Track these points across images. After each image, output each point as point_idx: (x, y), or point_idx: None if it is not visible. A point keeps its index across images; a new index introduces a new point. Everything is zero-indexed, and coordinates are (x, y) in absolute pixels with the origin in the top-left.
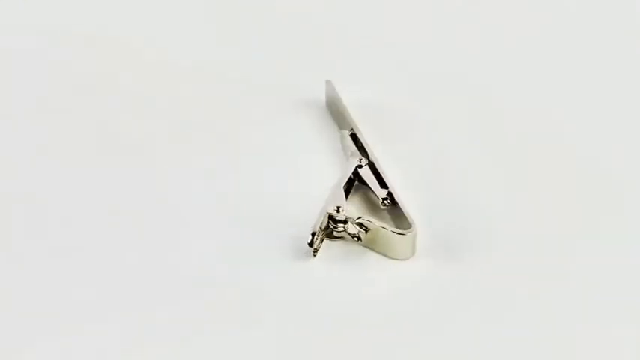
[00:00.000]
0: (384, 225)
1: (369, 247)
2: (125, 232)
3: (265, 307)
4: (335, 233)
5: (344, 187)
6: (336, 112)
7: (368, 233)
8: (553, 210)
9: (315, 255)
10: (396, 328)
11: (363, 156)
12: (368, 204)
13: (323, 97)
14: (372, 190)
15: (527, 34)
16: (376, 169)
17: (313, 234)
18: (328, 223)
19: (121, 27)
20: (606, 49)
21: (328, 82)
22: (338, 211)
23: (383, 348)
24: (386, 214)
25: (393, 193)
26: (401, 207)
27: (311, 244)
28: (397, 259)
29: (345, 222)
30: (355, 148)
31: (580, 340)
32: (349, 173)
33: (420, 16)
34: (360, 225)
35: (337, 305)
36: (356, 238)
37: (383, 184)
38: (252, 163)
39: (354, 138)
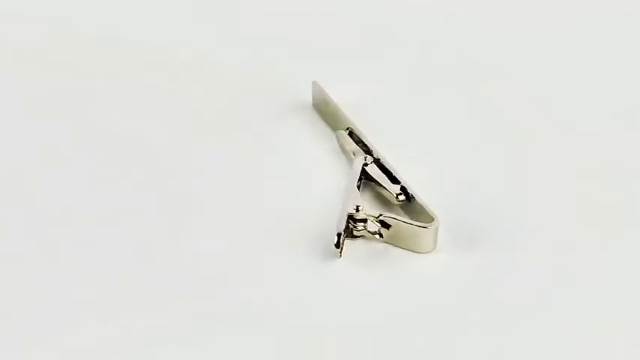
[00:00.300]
0: (407, 220)
1: (389, 243)
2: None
3: (300, 311)
4: (355, 232)
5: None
6: (326, 113)
7: (390, 229)
8: (558, 201)
9: (340, 256)
10: (428, 320)
11: (366, 153)
12: (379, 201)
13: (306, 99)
14: (383, 187)
15: (523, 24)
16: (383, 166)
17: (339, 235)
18: (347, 222)
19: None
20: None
21: (315, 83)
22: (357, 211)
23: (419, 340)
24: (400, 210)
25: (407, 188)
26: (419, 201)
27: (337, 245)
28: (420, 253)
29: (364, 220)
30: (356, 147)
31: (602, 332)
32: (358, 172)
33: (403, 14)
34: (382, 222)
35: (369, 302)
36: (377, 235)
37: (393, 179)
38: (249, 166)
39: (353, 136)
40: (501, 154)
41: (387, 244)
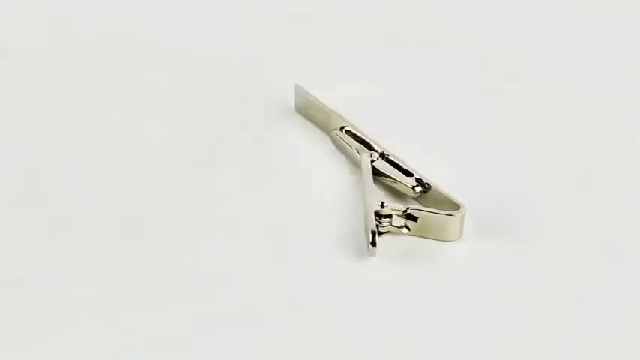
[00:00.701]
0: (434, 210)
1: (415, 235)
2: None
3: (344, 311)
4: (380, 229)
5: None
6: (313, 114)
7: (417, 221)
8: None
9: (375, 254)
10: (467, 308)
11: (369, 150)
12: (393, 194)
13: (287, 102)
14: (396, 181)
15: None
16: (391, 160)
17: (373, 233)
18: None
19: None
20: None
21: (297, 86)
22: (382, 207)
23: (461, 330)
24: (418, 202)
25: (422, 179)
26: (439, 190)
27: (374, 243)
28: (447, 241)
29: (390, 216)
30: (358, 144)
31: (627, 323)
32: (369, 168)
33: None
34: (409, 215)
35: (408, 296)
36: (405, 229)
37: (405, 172)
38: (251, 170)
39: (350, 134)
40: (502, 151)
41: (413, 237)
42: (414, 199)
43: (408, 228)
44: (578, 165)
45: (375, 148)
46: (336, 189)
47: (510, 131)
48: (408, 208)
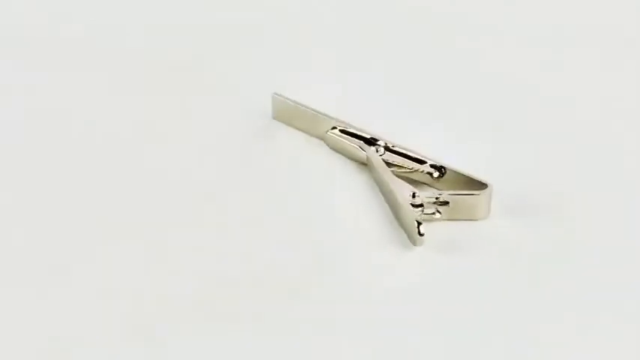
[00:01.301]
0: (465, 192)
1: (446, 219)
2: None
3: (404, 299)
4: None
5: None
6: (298, 120)
7: (448, 205)
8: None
9: (423, 243)
10: (515, 283)
11: (372, 144)
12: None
13: (259, 111)
14: (411, 169)
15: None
16: (397, 150)
17: (419, 223)
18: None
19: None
20: None
21: (275, 94)
22: (414, 197)
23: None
24: (437, 186)
25: (437, 164)
26: (457, 172)
27: (421, 233)
28: (476, 220)
29: (421, 205)
30: (358, 141)
31: None
32: (380, 161)
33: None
34: (441, 201)
35: (460, 277)
36: (437, 214)
37: (416, 160)
38: (259, 181)
39: (346, 133)
40: (490, 132)
41: (444, 221)
42: (430, 184)
43: (439, 212)
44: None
45: (379, 141)
46: (351, 188)
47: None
48: (440, 194)
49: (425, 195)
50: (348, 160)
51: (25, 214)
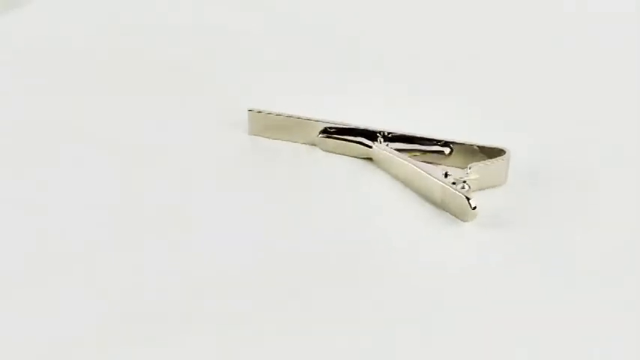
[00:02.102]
0: (490, 160)
1: (474, 190)
2: None
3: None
4: None
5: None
6: (280, 131)
7: (477, 177)
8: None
9: (475, 216)
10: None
11: (373, 137)
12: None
13: (233, 128)
14: (424, 151)
15: None
16: (398, 137)
17: (468, 198)
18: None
19: None
20: None
21: (251, 110)
22: (446, 176)
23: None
24: (451, 162)
25: (444, 141)
26: (467, 144)
27: (474, 207)
28: (496, 187)
29: (454, 183)
30: (356, 137)
31: None
32: (391, 151)
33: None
34: (472, 175)
35: (508, 244)
36: (467, 187)
37: (423, 141)
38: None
39: (341, 131)
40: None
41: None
42: (440, 162)
43: (468, 186)
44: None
45: (375, 130)
46: (369, 183)
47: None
48: (470, 168)
49: (455, 172)
50: (348, 158)
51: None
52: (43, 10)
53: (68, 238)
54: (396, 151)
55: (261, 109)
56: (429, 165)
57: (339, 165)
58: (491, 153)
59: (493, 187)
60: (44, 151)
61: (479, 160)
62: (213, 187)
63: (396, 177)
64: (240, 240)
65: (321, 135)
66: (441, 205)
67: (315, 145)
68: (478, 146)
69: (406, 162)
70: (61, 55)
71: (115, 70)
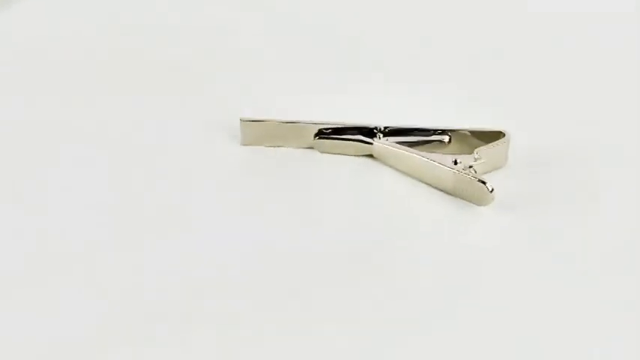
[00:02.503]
0: (493, 143)
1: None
2: None
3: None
4: None
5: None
6: (275, 137)
7: (484, 161)
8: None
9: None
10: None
11: (372, 133)
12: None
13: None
14: (425, 141)
15: None
16: (396, 130)
17: (484, 182)
18: None
19: None
20: None
21: (243, 119)
22: (456, 163)
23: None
24: (448, 150)
25: (442, 129)
26: (464, 130)
27: (492, 189)
28: (498, 169)
29: (464, 168)
30: (356, 136)
31: None
32: (394, 145)
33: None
34: (476, 159)
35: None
36: (474, 172)
37: (421, 131)
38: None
39: (337, 131)
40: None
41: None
42: (440, 151)
43: (475, 170)
44: None
45: (376, 127)
46: (379, 178)
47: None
48: (477, 152)
49: (464, 159)
50: (348, 157)
51: None
52: (43, 10)
53: (68, 238)
54: (398, 145)
55: (254, 117)
56: (437, 154)
57: (340, 164)
58: (491, 136)
59: (495, 169)
60: (44, 151)
61: (477, 145)
62: (214, 186)
63: (401, 170)
64: (242, 240)
65: (317, 137)
66: (453, 193)
67: (312, 148)
68: (476, 131)
69: (412, 154)
70: (61, 55)
71: (115, 70)
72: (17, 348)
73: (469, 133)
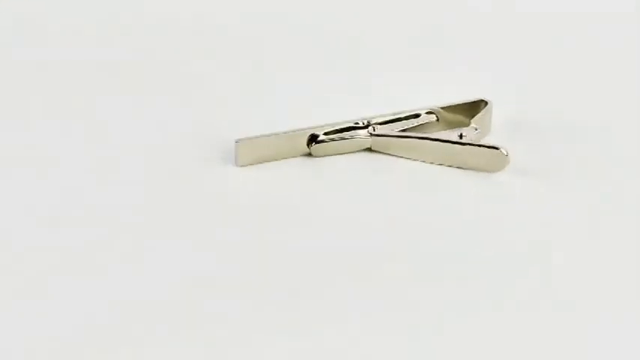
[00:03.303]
0: (482, 112)
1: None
2: None
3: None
4: None
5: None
6: (267, 151)
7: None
8: None
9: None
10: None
11: (365, 126)
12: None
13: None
14: (419, 124)
15: None
16: (385, 120)
17: (498, 147)
18: None
19: None
20: None
21: (239, 140)
22: (461, 137)
23: None
24: (441, 126)
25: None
26: (449, 105)
27: (507, 153)
28: (485, 136)
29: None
30: (349, 134)
31: None
32: (392, 133)
33: None
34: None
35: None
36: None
37: (410, 116)
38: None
39: (330, 132)
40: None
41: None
42: (431, 129)
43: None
44: None
45: (371, 121)
46: (387, 167)
47: None
48: (476, 128)
49: (467, 132)
50: (351, 156)
51: None
52: (43, 9)
53: (68, 237)
54: (397, 132)
55: (250, 136)
56: (441, 132)
57: (341, 163)
58: (474, 107)
59: (484, 136)
60: (43, 151)
61: (463, 119)
62: (214, 186)
63: (405, 156)
64: (243, 240)
65: (313, 143)
66: (465, 166)
67: (310, 154)
68: (460, 104)
69: (415, 138)
70: (61, 54)
71: (115, 70)
72: (17, 348)
73: (453, 107)
